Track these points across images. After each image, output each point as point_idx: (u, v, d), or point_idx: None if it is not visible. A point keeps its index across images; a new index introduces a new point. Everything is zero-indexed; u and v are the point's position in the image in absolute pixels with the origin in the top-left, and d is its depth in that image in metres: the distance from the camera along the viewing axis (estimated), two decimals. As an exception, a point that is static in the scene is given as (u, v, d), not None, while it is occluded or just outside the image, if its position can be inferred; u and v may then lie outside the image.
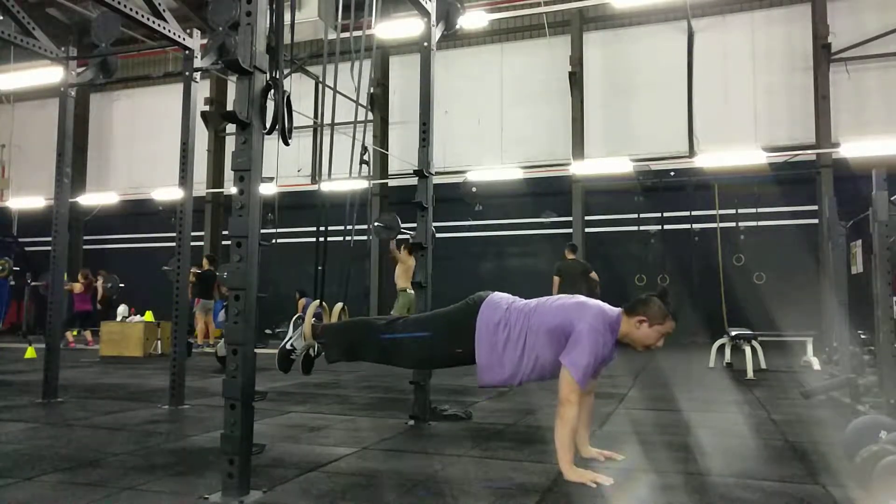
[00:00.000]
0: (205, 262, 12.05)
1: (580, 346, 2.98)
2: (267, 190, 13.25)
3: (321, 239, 4.00)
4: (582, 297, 3.22)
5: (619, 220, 14.69)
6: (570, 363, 2.98)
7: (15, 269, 17.18)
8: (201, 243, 16.90)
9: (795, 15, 13.91)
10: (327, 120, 3.96)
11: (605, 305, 3.17)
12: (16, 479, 2.92)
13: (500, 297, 3.30)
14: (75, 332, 12.59)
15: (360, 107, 4.39)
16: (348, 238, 4.22)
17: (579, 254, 12.24)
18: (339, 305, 3.66)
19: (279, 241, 15.38)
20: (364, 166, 4.37)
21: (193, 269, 11.11)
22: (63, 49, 5.56)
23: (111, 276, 14.08)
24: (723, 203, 13.92)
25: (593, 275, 10.35)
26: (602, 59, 15.16)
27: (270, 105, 2.84)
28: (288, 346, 3.54)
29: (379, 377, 7.46)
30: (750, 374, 7.30)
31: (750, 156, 13.27)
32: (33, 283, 14.36)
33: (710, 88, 14.20)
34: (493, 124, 15.80)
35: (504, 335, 3.14)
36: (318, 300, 3.58)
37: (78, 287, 12.30)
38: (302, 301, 14.48)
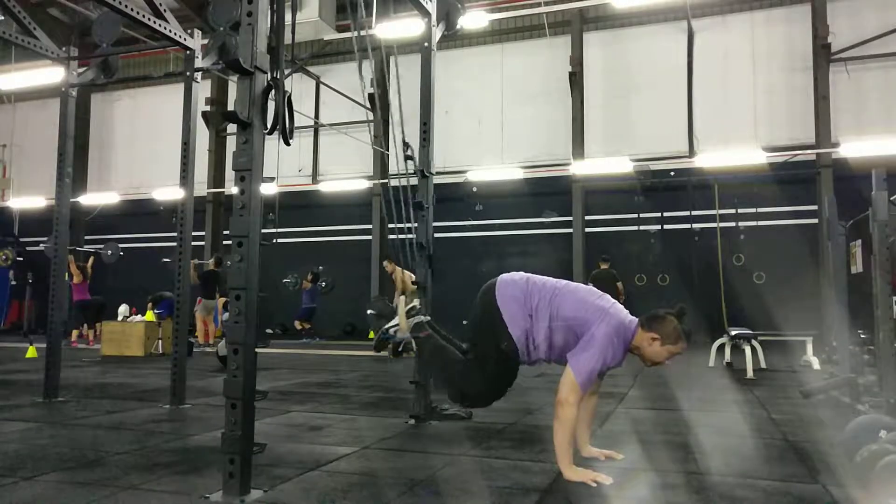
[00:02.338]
0: (213, 262, 12.09)
1: (590, 352, 2.98)
2: (268, 190, 13.33)
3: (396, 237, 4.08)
4: (607, 301, 3.18)
5: (619, 220, 14.70)
6: (575, 365, 2.98)
7: (18, 258, 17.11)
8: (202, 243, 16.92)
9: (795, 15, 13.91)
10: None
11: (625, 315, 3.15)
12: (16, 479, 2.93)
13: (513, 274, 3.32)
14: (76, 332, 12.60)
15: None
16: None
17: (578, 255, 12.31)
18: (416, 301, 3.71)
19: (281, 240, 15.45)
20: (409, 162, 4.41)
21: (195, 262, 11.20)
22: (64, 49, 5.57)
23: (111, 243, 14.02)
24: (723, 203, 13.93)
25: (619, 285, 11.45)
26: (602, 59, 15.16)
27: (271, 105, 2.85)
28: (391, 332, 3.60)
29: (380, 376, 7.47)
30: (750, 373, 7.30)
31: (750, 156, 13.28)
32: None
33: (710, 88, 14.21)
34: (493, 124, 15.81)
35: (532, 305, 3.14)
36: (403, 297, 3.65)
37: (77, 277, 12.30)
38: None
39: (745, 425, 4.42)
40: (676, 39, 14.48)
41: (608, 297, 3.23)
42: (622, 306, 3.21)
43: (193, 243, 5.39)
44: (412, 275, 4.72)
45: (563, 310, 3.11)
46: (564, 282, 3.29)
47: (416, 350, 3.57)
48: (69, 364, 7.89)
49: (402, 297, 3.66)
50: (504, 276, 3.32)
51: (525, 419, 4.58)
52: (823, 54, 13.30)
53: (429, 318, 3.57)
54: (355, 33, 4.07)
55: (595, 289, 3.29)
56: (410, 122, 4.67)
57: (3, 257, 14.31)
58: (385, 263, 11.71)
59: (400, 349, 3.74)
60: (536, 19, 15.22)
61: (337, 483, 2.91)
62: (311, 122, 16.45)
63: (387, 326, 3.64)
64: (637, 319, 3.15)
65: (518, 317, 3.15)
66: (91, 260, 13.79)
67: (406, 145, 4.49)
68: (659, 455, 3.45)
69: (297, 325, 14.92)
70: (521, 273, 3.34)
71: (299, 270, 16.16)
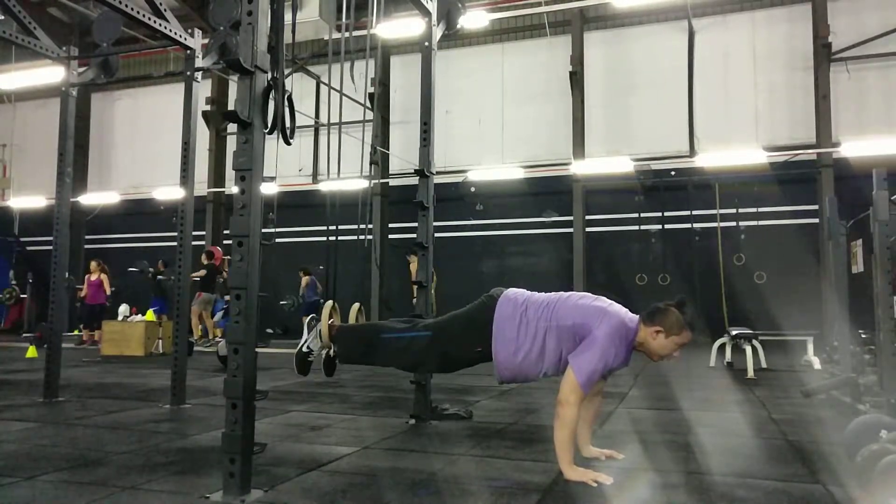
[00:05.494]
0: (203, 257, 12.10)
1: (591, 352, 2.97)
2: (268, 189, 13.31)
3: (331, 238, 3.95)
4: (604, 301, 3.18)
5: (619, 220, 14.69)
6: (577, 365, 2.97)
7: (15, 286, 17.25)
8: (202, 243, 16.91)
9: (796, 14, 13.90)
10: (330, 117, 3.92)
11: (626, 313, 3.13)
12: (17, 479, 2.93)
13: (517, 293, 3.29)
14: (76, 332, 12.61)
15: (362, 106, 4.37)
16: (359, 238, 4.17)
17: (578, 255, 12.31)
18: (356, 306, 3.62)
19: (281, 240, 15.45)
20: (373, 166, 4.33)
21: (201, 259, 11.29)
22: (64, 49, 5.57)
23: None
24: (723, 202, 13.92)
25: None
26: (603, 58, 15.15)
27: (271, 105, 2.85)
28: (304, 349, 3.49)
29: (380, 377, 7.46)
30: (750, 373, 7.30)
31: (750, 155, 13.27)
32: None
33: (710, 88, 14.20)
34: (493, 124, 15.80)
35: (523, 331, 3.13)
36: (332, 301, 3.54)
37: (96, 275, 12.31)
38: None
39: (746, 425, 4.42)
40: (677, 39, 14.47)
41: (605, 298, 3.23)
42: (621, 305, 3.21)
43: (193, 243, 5.38)
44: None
45: (563, 319, 3.09)
46: (559, 293, 3.27)
47: (335, 348, 3.49)
48: (69, 364, 7.89)
49: (329, 303, 3.50)
50: (509, 292, 3.28)
51: (525, 419, 4.58)
52: (824, 54, 13.29)
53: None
54: (348, 34, 4.04)
55: (590, 294, 3.28)
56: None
57: (8, 296, 14.32)
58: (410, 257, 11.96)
59: (330, 361, 3.56)
60: (537, 19, 15.21)
61: (337, 483, 2.91)
62: (312, 122, 16.45)
63: (301, 343, 3.49)
64: (638, 316, 3.14)
65: (503, 340, 3.14)
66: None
67: (374, 148, 4.44)
68: (659, 455, 3.45)
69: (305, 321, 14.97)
70: (523, 293, 3.29)
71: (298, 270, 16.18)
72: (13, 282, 17.03)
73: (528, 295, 3.28)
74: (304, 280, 15.09)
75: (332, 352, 3.55)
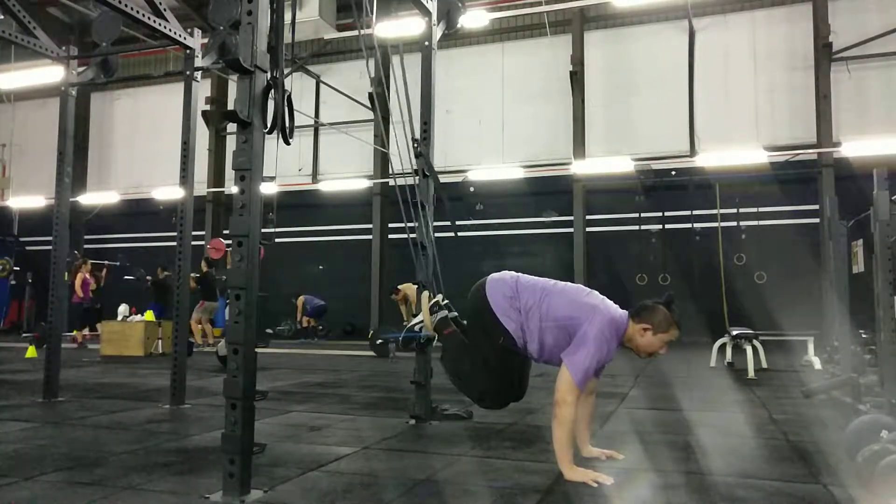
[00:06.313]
0: (203, 264, 12.06)
1: (584, 350, 2.97)
2: (267, 189, 13.32)
3: (411, 236, 4.04)
4: (596, 297, 3.18)
5: (620, 220, 14.70)
6: (571, 364, 2.97)
7: (15, 268, 17.26)
8: (202, 243, 16.92)
9: (796, 14, 13.91)
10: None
11: (615, 310, 3.14)
12: (16, 479, 2.92)
13: (502, 273, 3.32)
14: (75, 331, 12.59)
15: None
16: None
17: (579, 255, 12.31)
18: (426, 294, 3.69)
19: (282, 240, 15.46)
20: (419, 159, 4.39)
21: (193, 275, 11.23)
22: (64, 48, 5.56)
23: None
24: (724, 202, 13.93)
25: None
26: (603, 58, 15.16)
27: (271, 104, 2.84)
28: (416, 328, 3.57)
29: (380, 377, 7.46)
30: (751, 373, 7.30)
31: (751, 155, 13.28)
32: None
33: (711, 88, 14.20)
34: (494, 123, 15.80)
35: (521, 305, 3.15)
36: (427, 292, 3.65)
37: (87, 269, 12.33)
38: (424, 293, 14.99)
39: (747, 425, 4.41)
40: (677, 38, 14.48)
41: (597, 293, 3.23)
42: (612, 301, 3.21)
43: (193, 243, 5.37)
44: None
45: (554, 310, 3.10)
46: (553, 282, 3.28)
47: (442, 347, 3.53)
48: (69, 364, 7.89)
49: (426, 293, 3.63)
50: (493, 274, 3.33)
51: (525, 419, 4.57)
52: (825, 53, 13.30)
53: (455, 313, 3.51)
54: (359, 32, 4.04)
55: (583, 287, 3.29)
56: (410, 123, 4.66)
57: (1, 267, 14.29)
58: (393, 296, 12.30)
59: (423, 344, 3.67)
60: (537, 18, 15.22)
61: (337, 483, 2.90)
62: (311, 122, 16.45)
63: (412, 323, 3.59)
64: (627, 312, 3.15)
65: (510, 312, 3.16)
66: (104, 271, 13.91)
67: (416, 142, 4.48)
68: (660, 455, 3.44)
69: (304, 321, 15.04)
70: (511, 272, 3.34)
71: (299, 271, 16.20)
72: (6, 256, 17.11)
73: (515, 275, 3.31)
74: (300, 300, 15.21)
75: (429, 338, 3.63)
